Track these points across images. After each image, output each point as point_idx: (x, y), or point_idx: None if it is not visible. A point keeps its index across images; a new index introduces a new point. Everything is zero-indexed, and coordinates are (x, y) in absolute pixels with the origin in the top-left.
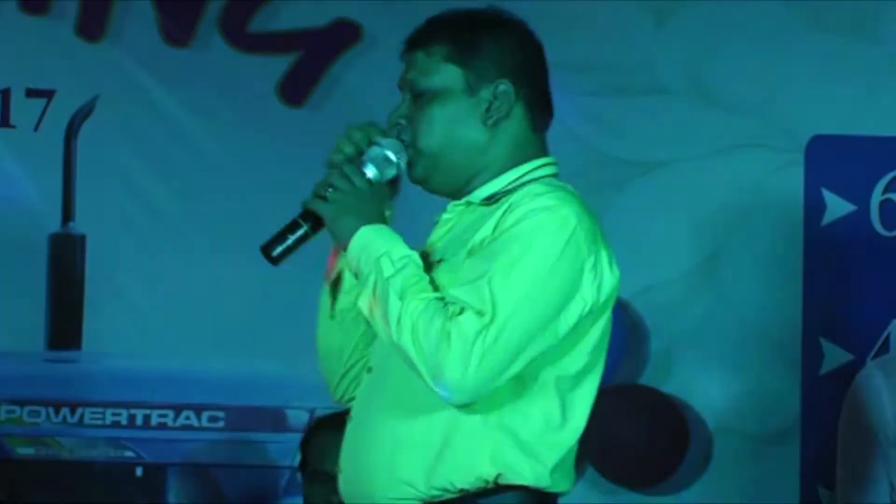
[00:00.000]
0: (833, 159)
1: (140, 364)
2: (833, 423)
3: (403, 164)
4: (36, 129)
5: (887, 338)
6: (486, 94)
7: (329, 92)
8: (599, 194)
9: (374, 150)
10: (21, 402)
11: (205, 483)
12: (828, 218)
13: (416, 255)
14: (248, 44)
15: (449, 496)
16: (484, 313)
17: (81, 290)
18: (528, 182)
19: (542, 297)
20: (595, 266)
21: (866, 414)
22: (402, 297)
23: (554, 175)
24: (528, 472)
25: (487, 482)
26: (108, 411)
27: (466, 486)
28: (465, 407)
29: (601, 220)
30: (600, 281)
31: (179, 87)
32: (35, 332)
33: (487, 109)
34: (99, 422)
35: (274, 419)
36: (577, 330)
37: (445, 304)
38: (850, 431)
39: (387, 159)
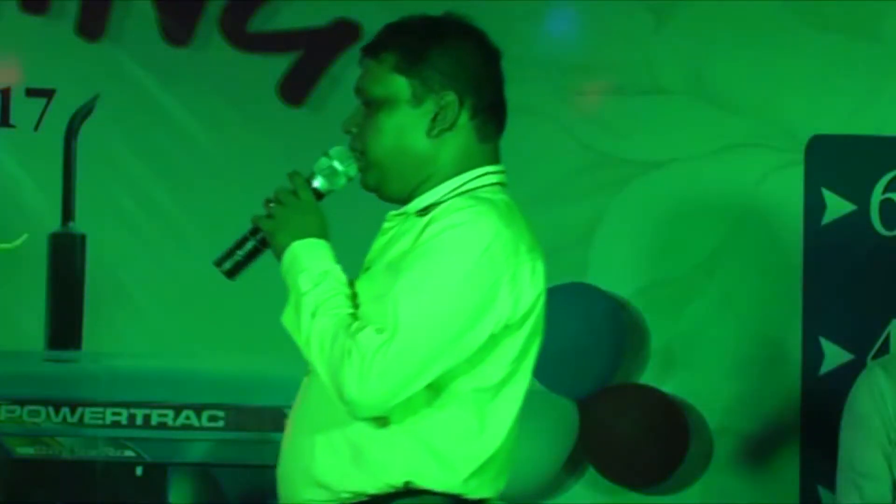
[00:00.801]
0: (833, 159)
1: (140, 364)
2: (833, 422)
3: (353, 172)
4: (36, 128)
5: (887, 337)
6: (431, 105)
7: (329, 92)
8: (599, 194)
9: (322, 161)
10: (21, 402)
11: (205, 483)
12: (828, 218)
13: (336, 270)
14: (248, 43)
15: (360, 499)
16: (385, 330)
17: (81, 290)
18: (461, 193)
19: (449, 313)
20: (513, 280)
21: (868, 413)
22: (313, 315)
23: (497, 184)
24: (439, 481)
25: (397, 488)
26: (109, 411)
27: (375, 492)
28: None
29: (531, 231)
30: (518, 295)
31: (179, 87)
32: (35, 331)
33: (433, 120)
34: (99, 421)
35: (274, 419)
36: (494, 343)
37: (351, 322)
38: (851, 430)
39: (333, 170)
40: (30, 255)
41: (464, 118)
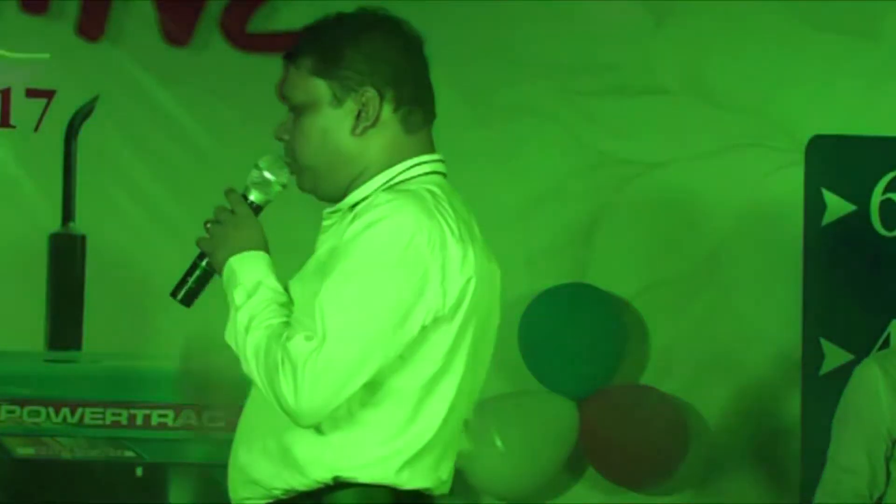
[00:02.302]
0: (833, 159)
1: (140, 364)
2: None
3: (285, 178)
4: (36, 129)
5: (887, 338)
6: (352, 104)
7: None
8: (599, 194)
9: (254, 174)
10: (21, 402)
11: (205, 483)
12: (828, 218)
13: (270, 280)
14: (248, 43)
15: (292, 496)
16: (313, 336)
17: (81, 291)
18: (390, 187)
19: (376, 312)
20: (441, 270)
21: (858, 408)
22: (247, 330)
23: (432, 172)
24: (369, 474)
25: (325, 483)
26: (109, 411)
27: (304, 489)
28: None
29: (464, 219)
30: (447, 286)
31: (179, 87)
32: (35, 332)
33: (356, 118)
34: (99, 422)
35: None
36: (425, 337)
37: (283, 331)
38: (839, 424)
39: (265, 180)
40: (30, 256)
41: (386, 112)
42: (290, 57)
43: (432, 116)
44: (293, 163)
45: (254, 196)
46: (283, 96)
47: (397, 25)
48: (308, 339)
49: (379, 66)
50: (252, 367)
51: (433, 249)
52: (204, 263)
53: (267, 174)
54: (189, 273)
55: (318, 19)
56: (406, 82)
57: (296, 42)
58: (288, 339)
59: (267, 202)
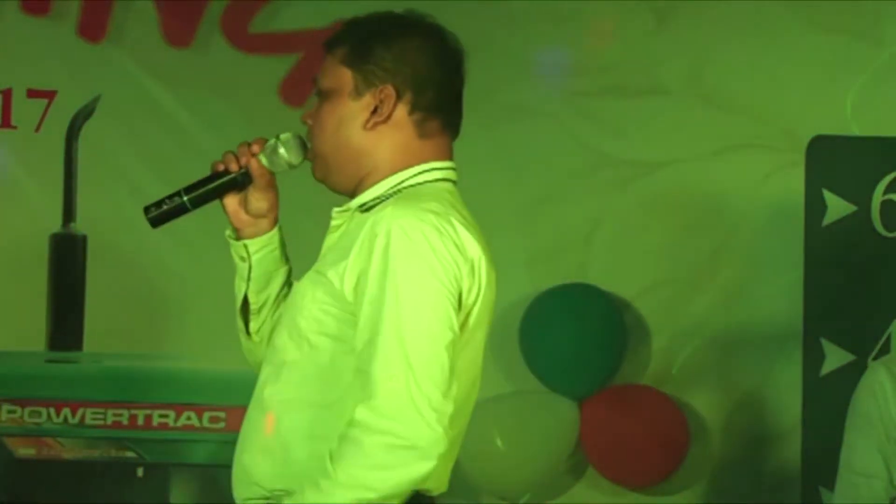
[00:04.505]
0: (834, 160)
1: (141, 364)
2: (834, 423)
3: (296, 160)
4: (37, 129)
5: (888, 338)
6: (370, 98)
7: None
8: (599, 194)
9: (271, 142)
10: (22, 403)
11: (206, 483)
12: (829, 218)
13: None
14: (249, 44)
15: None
16: (395, 376)
17: (82, 291)
18: (400, 190)
19: (434, 324)
20: (471, 272)
21: (869, 412)
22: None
23: (442, 179)
24: None
25: None
26: (110, 412)
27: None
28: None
29: (476, 226)
30: (469, 286)
31: (180, 88)
32: (36, 332)
33: (373, 113)
34: (100, 422)
35: None
36: None
37: (335, 448)
38: (852, 429)
39: (275, 151)
40: (31, 256)
41: (401, 113)
42: (329, 44)
43: (455, 129)
44: (311, 148)
45: (263, 159)
46: (313, 80)
47: (438, 34)
48: (369, 407)
49: (404, 68)
50: (362, 485)
51: (460, 252)
52: (186, 199)
53: (280, 147)
54: (170, 198)
55: (363, 15)
56: (428, 88)
57: (336, 31)
58: (351, 427)
59: (271, 173)
